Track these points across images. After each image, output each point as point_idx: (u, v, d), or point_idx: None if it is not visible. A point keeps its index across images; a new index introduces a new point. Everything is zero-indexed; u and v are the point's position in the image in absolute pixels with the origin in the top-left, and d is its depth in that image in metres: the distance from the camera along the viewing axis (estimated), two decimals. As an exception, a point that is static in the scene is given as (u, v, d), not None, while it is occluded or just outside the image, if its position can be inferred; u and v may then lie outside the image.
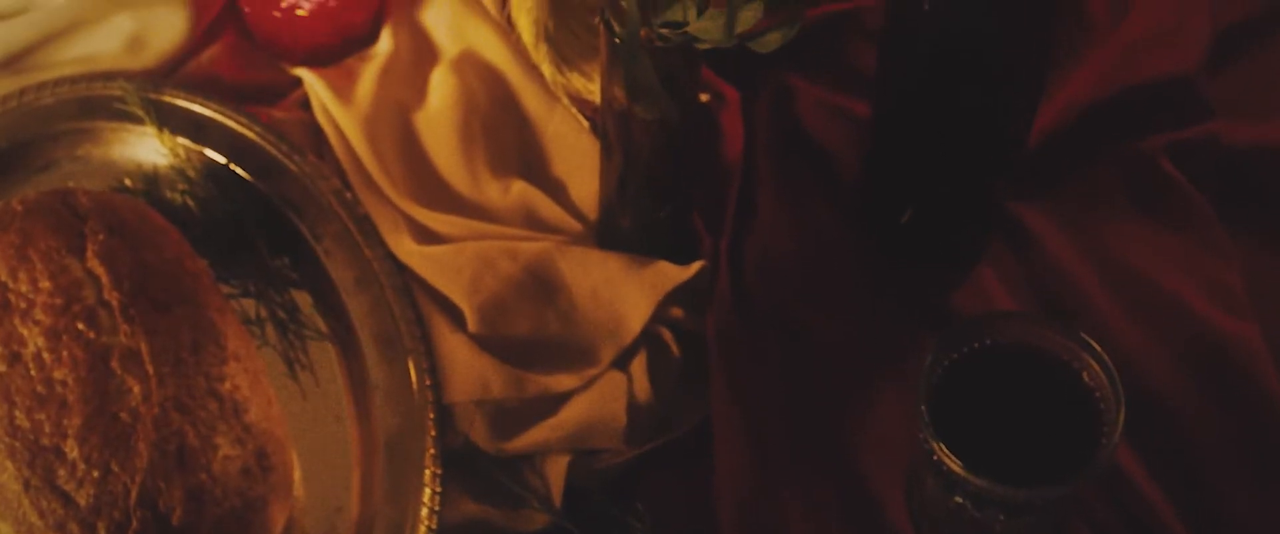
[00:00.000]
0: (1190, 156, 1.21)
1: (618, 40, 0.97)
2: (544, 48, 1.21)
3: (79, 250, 1.08)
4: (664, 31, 0.97)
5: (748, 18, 0.94)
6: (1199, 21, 1.25)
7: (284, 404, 1.12)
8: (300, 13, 1.22)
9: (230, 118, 1.21)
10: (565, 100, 1.21)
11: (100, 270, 1.06)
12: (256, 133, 1.20)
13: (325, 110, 1.22)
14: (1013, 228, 1.19)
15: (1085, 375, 1.03)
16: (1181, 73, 1.23)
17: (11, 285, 1.05)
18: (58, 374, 1.03)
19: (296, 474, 1.10)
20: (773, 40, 0.94)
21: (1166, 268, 1.17)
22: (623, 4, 0.94)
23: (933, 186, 1.14)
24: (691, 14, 0.96)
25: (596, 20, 1.04)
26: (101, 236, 1.08)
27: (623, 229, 1.16)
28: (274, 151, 1.20)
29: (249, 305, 1.17)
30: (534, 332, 1.13)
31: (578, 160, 1.20)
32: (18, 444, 1.02)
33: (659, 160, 1.10)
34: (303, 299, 1.17)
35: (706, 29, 0.95)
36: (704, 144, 1.19)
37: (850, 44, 1.26)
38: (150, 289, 1.06)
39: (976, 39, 1.03)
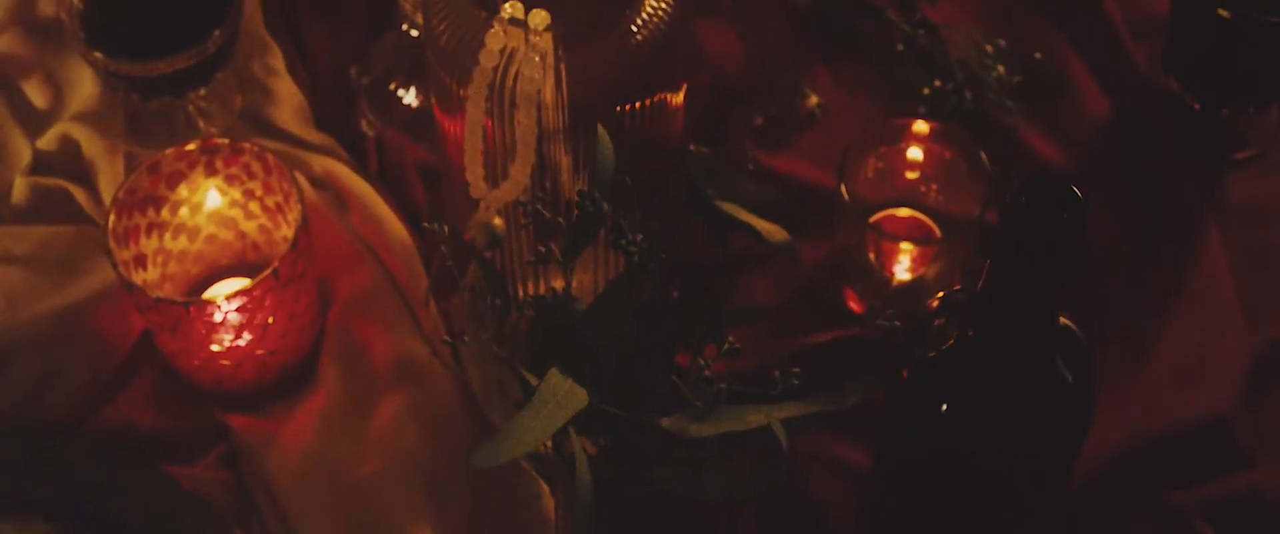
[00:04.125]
0: (1229, 513, 1.07)
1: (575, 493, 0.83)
2: (497, 400, 1.08)
3: None
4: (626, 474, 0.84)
5: (721, 479, 0.80)
6: (1233, 353, 1.11)
7: None
8: (224, 362, 1.08)
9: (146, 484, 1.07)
10: (522, 460, 1.08)
11: None
12: (176, 501, 1.07)
13: (253, 468, 1.08)
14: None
15: None
16: (1215, 414, 1.09)
17: None
18: None
19: None
20: (747, 496, 0.81)
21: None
22: (577, 461, 0.81)
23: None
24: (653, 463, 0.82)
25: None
26: None
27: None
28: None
29: None
30: None
31: (538, 531, 1.06)
32: None
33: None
34: None
35: (673, 482, 0.82)
36: (679, 521, 1.05)
37: (844, 378, 1.11)
38: None
39: (996, 455, 0.90)
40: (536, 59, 0.94)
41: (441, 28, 0.98)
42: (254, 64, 1.22)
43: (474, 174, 0.98)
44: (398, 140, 1.19)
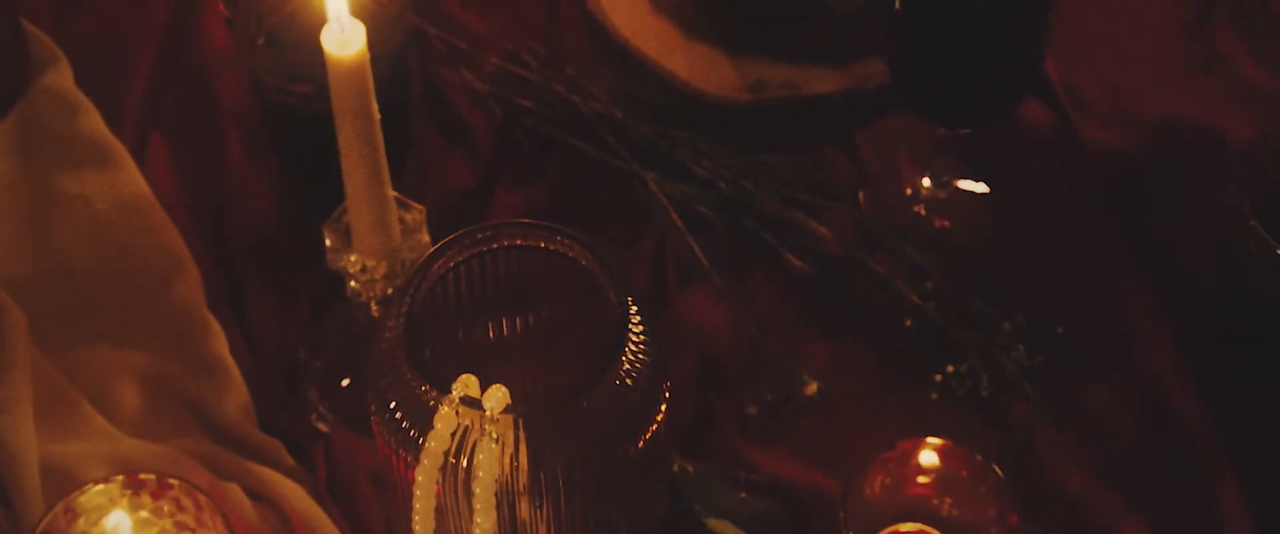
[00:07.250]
0: None
1: None
2: None
3: None
4: None
5: None
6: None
7: None
8: None
9: None
10: None
11: None
12: None
13: None
14: None
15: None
16: None
17: None
18: None
19: None
20: None
21: None
22: None
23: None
24: None
25: None
26: None
27: None
28: None
29: None
30: None
31: None
32: None
33: None
34: None
35: None
36: None
37: None
38: None
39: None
40: (494, 444, 0.82)
41: (387, 396, 0.86)
42: (194, 348, 1.10)
43: (427, 557, 0.86)
44: (349, 446, 1.07)
